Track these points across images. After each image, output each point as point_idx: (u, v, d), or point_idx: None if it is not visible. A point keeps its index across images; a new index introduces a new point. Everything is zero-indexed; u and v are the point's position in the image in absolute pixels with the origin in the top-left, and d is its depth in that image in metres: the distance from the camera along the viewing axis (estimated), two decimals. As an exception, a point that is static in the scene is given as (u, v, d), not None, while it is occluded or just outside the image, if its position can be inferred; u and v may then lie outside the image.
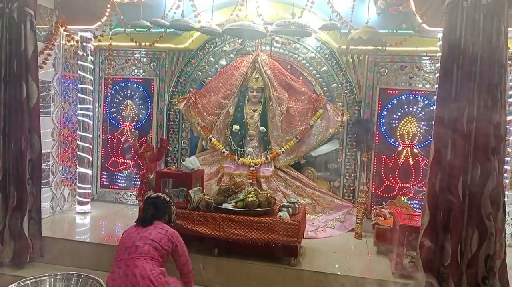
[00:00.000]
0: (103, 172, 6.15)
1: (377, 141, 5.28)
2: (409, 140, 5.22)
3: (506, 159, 4.67)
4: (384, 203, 5.15)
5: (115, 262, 3.01)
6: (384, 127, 5.29)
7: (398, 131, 5.25)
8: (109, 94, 6.01)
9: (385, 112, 5.28)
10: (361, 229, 4.94)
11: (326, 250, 4.50)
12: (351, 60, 5.33)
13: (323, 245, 4.67)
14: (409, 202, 5.00)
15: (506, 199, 3.47)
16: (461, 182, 3.28)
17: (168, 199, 3.41)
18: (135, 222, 3.23)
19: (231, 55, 5.69)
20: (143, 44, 5.31)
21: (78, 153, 5.59)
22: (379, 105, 5.28)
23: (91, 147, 5.67)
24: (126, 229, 3.23)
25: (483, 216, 3.28)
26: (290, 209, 4.12)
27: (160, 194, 3.45)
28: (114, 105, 6.06)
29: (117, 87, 6.02)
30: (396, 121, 5.26)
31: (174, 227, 3.33)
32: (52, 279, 2.38)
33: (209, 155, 5.69)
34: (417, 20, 4.51)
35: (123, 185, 6.11)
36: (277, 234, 3.92)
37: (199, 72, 5.82)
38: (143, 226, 3.11)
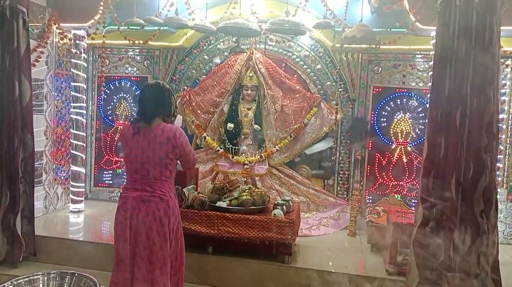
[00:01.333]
0: (97, 171, 6.13)
1: (370, 140, 5.30)
2: (403, 139, 5.25)
3: (499, 156, 4.71)
4: (377, 200, 5.18)
5: (130, 182, 2.91)
6: (378, 126, 5.31)
7: (391, 130, 5.27)
8: (102, 92, 5.98)
9: (378, 111, 5.30)
10: (355, 226, 4.96)
11: (320, 248, 4.51)
12: (345, 58, 5.35)
13: (317, 242, 4.68)
14: (403, 200, 5.03)
15: (498, 197, 3.49)
16: (454, 179, 3.30)
17: (167, 86, 3.01)
18: (131, 121, 2.96)
19: (225, 53, 5.68)
20: (136, 42, 5.29)
21: (71, 151, 5.56)
22: (373, 103, 5.30)
23: (84, 145, 5.64)
24: (122, 130, 2.98)
25: (476, 213, 3.29)
26: (284, 207, 4.12)
27: (159, 81, 3.10)
28: (108, 103, 6.03)
29: (111, 86, 5.99)
30: (390, 119, 5.28)
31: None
32: (46, 278, 2.37)
33: (203, 153, 5.68)
34: (411, 19, 4.53)
35: (117, 184, 6.08)
36: (272, 232, 3.92)
37: (193, 71, 5.81)
38: (146, 122, 2.87)
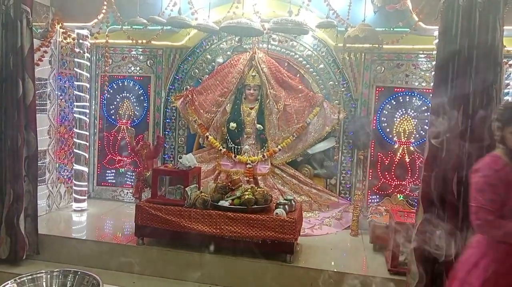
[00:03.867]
0: (100, 170, 6.14)
1: (372, 140, 5.29)
2: (405, 138, 5.24)
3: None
4: (380, 200, 5.17)
5: None
6: (380, 125, 5.31)
7: (394, 129, 5.26)
8: (105, 91, 6.00)
9: (381, 110, 5.29)
10: (357, 226, 4.96)
11: (322, 247, 4.52)
12: (347, 58, 5.33)
13: (319, 242, 4.69)
14: (405, 200, 5.02)
15: (500, 197, 3.48)
16: (456, 179, 3.30)
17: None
18: None
19: (228, 52, 5.69)
20: (139, 41, 5.30)
21: (74, 150, 5.59)
22: (376, 103, 5.29)
23: (87, 144, 5.65)
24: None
25: (478, 213, 3.29)
26: (286, 206, 4.13)
27: None
28: (111, 102, 6.04)
29: (114, 85, 6.00)
30: (392, 119, 5.27)
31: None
32: (49, 276, 2.38)
33: (206, 152, 5.69)
34: (414, 18, 4.52)
35: (120, 183, 6.10)
36: (274, 231, 3.93)
37: (196, 70, 5.82)
38: None
